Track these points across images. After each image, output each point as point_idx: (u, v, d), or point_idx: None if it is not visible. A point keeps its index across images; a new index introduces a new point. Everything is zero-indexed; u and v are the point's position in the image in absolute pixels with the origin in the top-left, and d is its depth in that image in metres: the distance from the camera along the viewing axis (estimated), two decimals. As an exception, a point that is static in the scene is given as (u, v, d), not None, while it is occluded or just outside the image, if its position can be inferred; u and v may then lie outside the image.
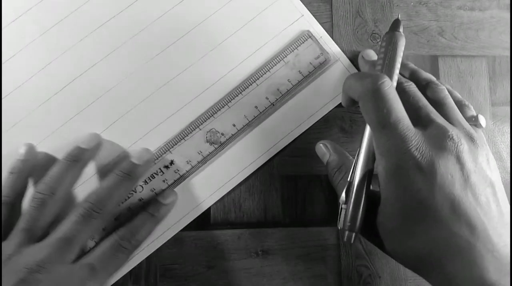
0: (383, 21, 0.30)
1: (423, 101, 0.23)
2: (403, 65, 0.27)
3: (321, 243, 0.28)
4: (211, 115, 0.27)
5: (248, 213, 0.28)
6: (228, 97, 0.28)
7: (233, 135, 0.27)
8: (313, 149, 0.28)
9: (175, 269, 0.27)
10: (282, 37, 0.29)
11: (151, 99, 0.28)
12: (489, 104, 0.30)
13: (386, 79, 0.22)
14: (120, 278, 0.26)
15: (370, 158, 0.23)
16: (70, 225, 0.23)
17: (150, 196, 0.26)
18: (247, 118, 0.28)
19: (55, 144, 0.27)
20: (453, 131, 0.21)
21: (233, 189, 0.28)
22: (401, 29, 0.25)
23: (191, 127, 0.27)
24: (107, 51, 0.28)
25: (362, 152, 0.23)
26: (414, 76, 0.26)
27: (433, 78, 0.26)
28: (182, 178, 0.27)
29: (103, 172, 0.27)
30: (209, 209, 0.28)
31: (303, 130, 0.28)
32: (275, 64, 0.28)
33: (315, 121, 0.28)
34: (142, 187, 0.27)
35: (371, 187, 0.23)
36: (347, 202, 0.23)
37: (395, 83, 0.24)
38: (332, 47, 0.29)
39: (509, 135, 0.30)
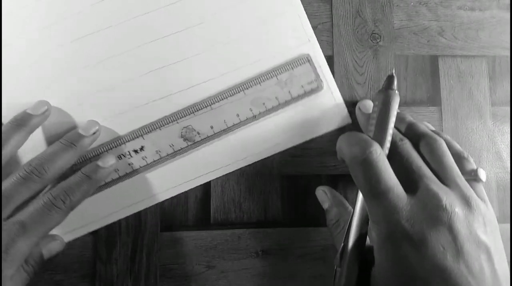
0: (383, 21, 0.30)
1: (417, 163, 0.23)
2: (399, 119, 0.26)
3: (321, 243, 0.28)
4: (192, 112, 0.27)
5: (248, 213, 0.28)
6: (213, 99, 0.27)
7: (208, 137, 0.27)
8: (313, 149, 0.28)
9: (175, 269, 0.27)
10: (282, 56, 0.28)
11: (137, 79, 0.28)
12: (489, 104, 0.30)
13: (374, 147, 0.22)
14: (120, 278, 0.26)
15: (364, 221, 0.23)
16: (9, 184, 0.23)
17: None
18: (226, 124, 0.27)
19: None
20: (447, 199, 0.21)
21: (202, 188, 0.28)
22: (395, 86, 0.24)
23: (169, 118, 0.27)
24: (99, 27, 0.28)
25: (356, 215, 0.23)
26: (411, 130, 0.25)
27: (430, 131, 0.25)
28: (148, 166, 0.27)
29: (50, 140, 0.27)
30: (208, 208, 0.28)
31: (275, 152, 0.28)
32: (268, 79, 0.28)
33: (289, 147, 0.28)
34: None
35: (368, 241, 0.23)
36: (341, 265, 0.23)
37: (388, 144, 0.23)
38: (329, 79, 0.28)
39: (509, 135, 0.30)
